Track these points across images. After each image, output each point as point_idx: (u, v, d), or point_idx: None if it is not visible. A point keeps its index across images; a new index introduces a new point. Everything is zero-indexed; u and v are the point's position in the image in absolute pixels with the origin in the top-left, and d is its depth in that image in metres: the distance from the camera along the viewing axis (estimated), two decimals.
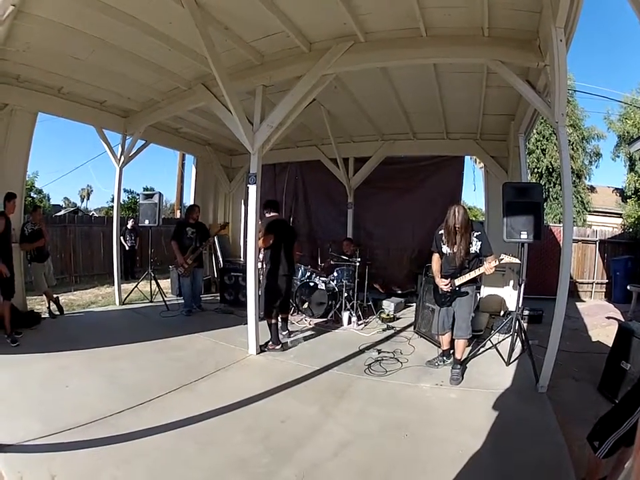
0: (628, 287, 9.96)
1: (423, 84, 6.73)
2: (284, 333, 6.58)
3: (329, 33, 5.42)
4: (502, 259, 4.86)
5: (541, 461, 3.38)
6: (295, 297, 8.20)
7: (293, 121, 6.15)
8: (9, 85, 6.76)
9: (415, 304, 8.16)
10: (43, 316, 7.33)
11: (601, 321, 8.84)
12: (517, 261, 5.19)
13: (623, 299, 11.00)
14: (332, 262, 8.55)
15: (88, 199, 58.82)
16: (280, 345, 6.05)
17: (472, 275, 4.97)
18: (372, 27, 5.24)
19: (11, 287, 6.11)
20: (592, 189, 22.90)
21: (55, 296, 7.80)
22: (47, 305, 7.67)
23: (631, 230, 14.16)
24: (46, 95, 7.30)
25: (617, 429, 2.52)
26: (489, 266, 4.88)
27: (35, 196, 26.44)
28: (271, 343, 6.08)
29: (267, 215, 6.41)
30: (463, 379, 5.12)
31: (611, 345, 5.08)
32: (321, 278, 8.41)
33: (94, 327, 7.25)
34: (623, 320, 7.73)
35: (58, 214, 21.41)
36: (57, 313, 7.69)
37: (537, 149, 20.13)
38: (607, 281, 12.66)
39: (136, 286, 9.28)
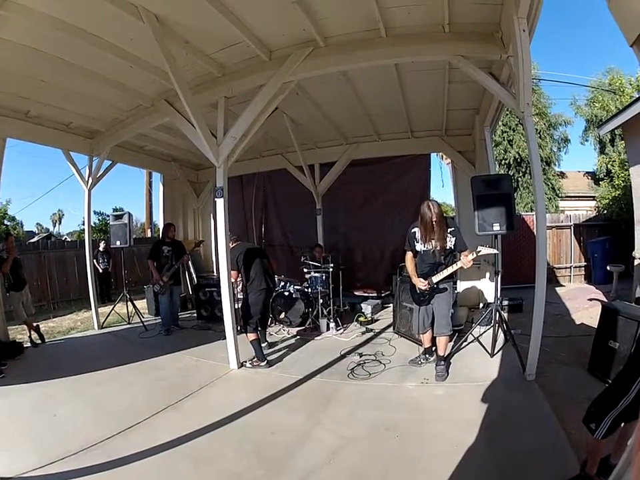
0: (608, 268, 10.14)
1: (384, 85, 6.77)
2: (263, 345, 6.38)
3: (289, 40, 5.41)
4: (479, 251, 4.84)
5: (538, 448, 3.36)
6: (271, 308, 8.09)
7: (256, 131, 6.14)
8: None
9: (392, 305, 8.14)
10: (25, 345, 7.20)
11: (583, 304, 8.95)
12: (495, 251, 5.23)
13: (604, 280, 11.20)
14: (304, 269, 8.47)
15: (60, 223, 57.85)
16: (265, 362, 5.90)
17: (450, 270, 4.97)
18: (331, 31, 5.24)
19: None
20: (562, 174, 23.33)
21: (35, 324, 7.67)
22: (28, 334, 7.53)
23: (605, 211, 14.36)
24: (13, 120, 7.15)
25: (612, 408, 2.52)
26: (466, 260, 4.83)
27: (8, 224, 26.10)
28: (255, 359, 5.94)
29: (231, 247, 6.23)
30: (448, 374, 5.13)
31: (595, 327, 5.13)
32: (295, 286, 8.35)
33: (76, 353, 7.14)
34: (605, 300, 7.82)
35: (31, 240, 21.08)
36: (39, 341, 7.56)
37: (504, 140, 20.51)
38: (585, 263, 12.88)
39: (113, 309, 9.22)
